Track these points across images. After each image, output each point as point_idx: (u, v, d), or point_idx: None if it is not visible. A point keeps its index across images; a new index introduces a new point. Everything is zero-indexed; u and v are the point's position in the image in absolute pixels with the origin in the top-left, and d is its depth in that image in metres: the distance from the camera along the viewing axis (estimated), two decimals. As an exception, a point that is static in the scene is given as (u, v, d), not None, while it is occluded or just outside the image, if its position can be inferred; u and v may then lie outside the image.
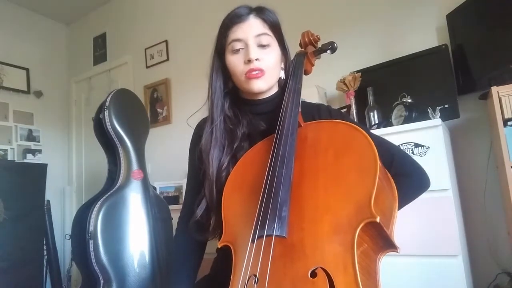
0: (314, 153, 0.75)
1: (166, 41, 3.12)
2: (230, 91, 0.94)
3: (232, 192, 0.80)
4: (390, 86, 1.88)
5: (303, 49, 1.05)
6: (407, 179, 0.83)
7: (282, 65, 0.94)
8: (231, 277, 0.68)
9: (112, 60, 3.56)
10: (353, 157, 0.69)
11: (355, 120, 1.92)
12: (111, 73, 3.54)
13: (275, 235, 0.63)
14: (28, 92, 3.49)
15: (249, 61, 0.84)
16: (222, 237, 0.75)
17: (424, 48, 1.84)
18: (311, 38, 1.04)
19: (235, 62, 0.87)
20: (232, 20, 0.87)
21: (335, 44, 1.01)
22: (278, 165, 0.71)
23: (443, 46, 1.80)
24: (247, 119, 0.92)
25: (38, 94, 3.57)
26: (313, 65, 1.05)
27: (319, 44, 1.05)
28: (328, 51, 1.02)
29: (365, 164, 0.66)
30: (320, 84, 2.07)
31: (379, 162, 0.65)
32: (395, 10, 2.07)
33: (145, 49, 3.25)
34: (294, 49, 1.03)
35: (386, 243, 0.66)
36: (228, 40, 0.87)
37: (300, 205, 0.67)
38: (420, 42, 1.90)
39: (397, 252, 0.66)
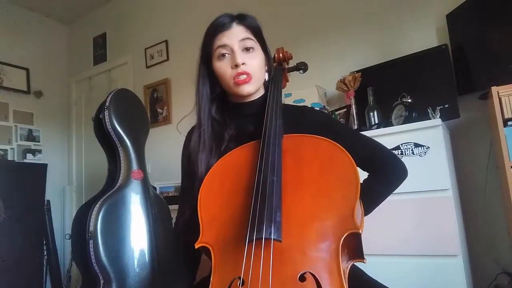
0: (297, 165, 0.78)
1: (166, 41, 3.12)
2: (217, 96, 0.97)
3: (209, 193, 0.81)
4: (390, 86, 1.88)
5: (279, 65, 1.09)
6: (388, 168, 0.89)
7: (266, 68, 0.97)
8: (211, 279, 0.69)
9: (112, 60, 3.55)
10: (337, 173, 0.75)
11: (355, 121, 1.92)
12: (111, 73, 3.54)
13: (273, 238, 0.65)
14: (28, 92, 3.49)
15: (236, 66, 0.88)
16: (199, 238, 0.75)
17: (424, 48, 1.84)
18: (285, 55, 1.09)
19: (222, 67, 0.90)
20: (216, 28, 0.91)
21: (307, 66, 1.12)
22: (268, 172, 0.74)
23: (443, 46, 1.80)
24: (235, 123, 0.95)
25: (38, 94, 3.57)
26: (287, 81, 1.12)
27: (290, 63, 1.12)
28: (300, 71, 1.12)
29: (348, 182, 0.72)
30: (320, 84, 2.07)
31: (360, 180, 0.72)
32: (395, 10, 2.07)
33: (145, 49, 3.25)
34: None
35: (358, 252, 0.70)
36: (214, 47, 0.90)
37: (287, 212, 0.70)
38: (420, 42, 1.90)
39: (364, 262, 0.71)
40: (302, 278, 0.62)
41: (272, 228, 0.66)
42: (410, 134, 1.48)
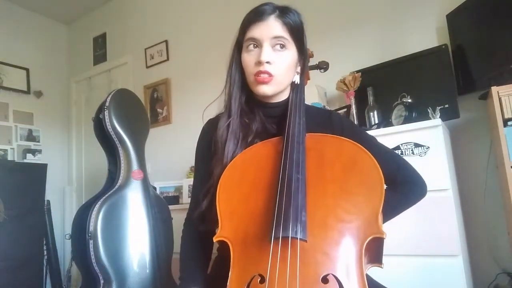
0: (320, 164, 0.77)
1: (166, 41, 3.12)
2: (247, 85, 0.92)
3: (229, 187, 0.80)
4: (390, 86, 1.88)
5: None
6: (411, 185, 0.88)
7: (299, 69, 0.92)
8: (230, 274, 0.68)
9: (112, 60, 3.56)
10: (361, 175, 0.74)
11: (355, 121, 1.92)
12: (111, 73, 3.54)
13: (299, 238, 0.65)
14: (28, 92, 3.49)
15: (259, 63, 0.83)
16: (218, 232, 0.74)
17: (424, 48, 1.84)
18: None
19: (247, 61, 0.86)
20: (252, 17, 0.86)
21: (328, 65, 1.14)
22: (293, 170, 0.72)
23: (443, 46, 1.79)
24: (260, 116, 0.93)
25: (38, 94, 3.57)
26: (308, 79, 1.09)
27: (311, 60, 1.11)
28: (322, 70, 1.13)
29: (372, 184, 0.72)
30: (320, 84, 2.07)
31: (384, 184, 0.71)
32: (395, 10, 2.07)
33: (145, 49, 3.25)
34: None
35: (377, 257, 0.70)
36: (245, 38, 0.86)
37: (310, 211, 0.69)
38: (420, 42, 1.90)
39: (382, 267, 0.70)
40: (325, 280, 0.62)
41: (298, 227, 0.65)
42: (410, 134, 1.48)
